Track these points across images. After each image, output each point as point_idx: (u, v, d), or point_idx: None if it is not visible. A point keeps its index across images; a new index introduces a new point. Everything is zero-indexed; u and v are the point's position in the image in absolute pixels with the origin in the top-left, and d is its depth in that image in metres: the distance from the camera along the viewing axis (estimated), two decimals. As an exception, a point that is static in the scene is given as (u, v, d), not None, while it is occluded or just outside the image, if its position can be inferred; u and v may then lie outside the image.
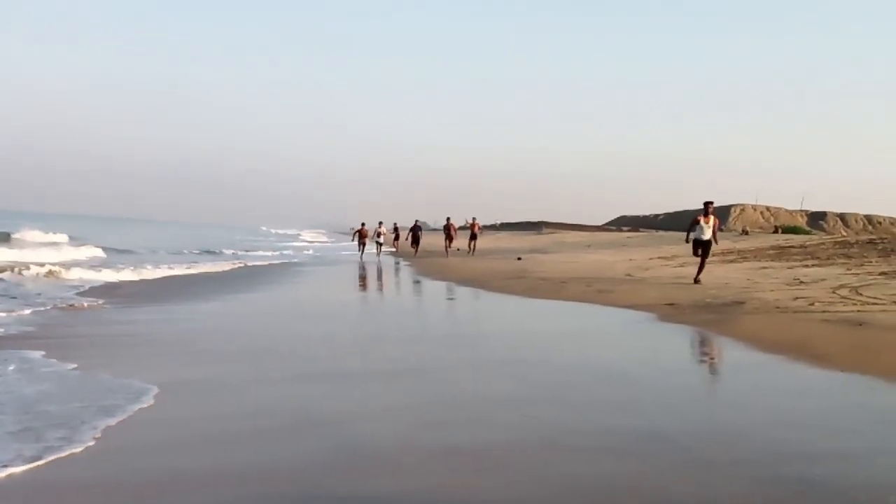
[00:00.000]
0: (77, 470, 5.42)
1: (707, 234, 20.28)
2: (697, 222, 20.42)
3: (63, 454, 5.64)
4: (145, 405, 7.14)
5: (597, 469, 5.53)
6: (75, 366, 8.89)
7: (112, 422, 6.51)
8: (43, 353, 9.62)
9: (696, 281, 19.47)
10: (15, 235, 45.13)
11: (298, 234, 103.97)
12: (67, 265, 24.51)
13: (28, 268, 22.23)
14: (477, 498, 4.90)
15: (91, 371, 8.65)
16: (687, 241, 21.19)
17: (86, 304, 15.47)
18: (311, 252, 50.88)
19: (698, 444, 6.13)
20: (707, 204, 20.39)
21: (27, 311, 13.92)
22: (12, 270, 21.48)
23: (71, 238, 48.43)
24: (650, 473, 5.38)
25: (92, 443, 5.95)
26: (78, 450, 5.77)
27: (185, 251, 43.16)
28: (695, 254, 20.58)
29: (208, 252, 43.61)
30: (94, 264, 27.42)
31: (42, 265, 23.15)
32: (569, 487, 5.12)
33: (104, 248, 37.57)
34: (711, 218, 20.29)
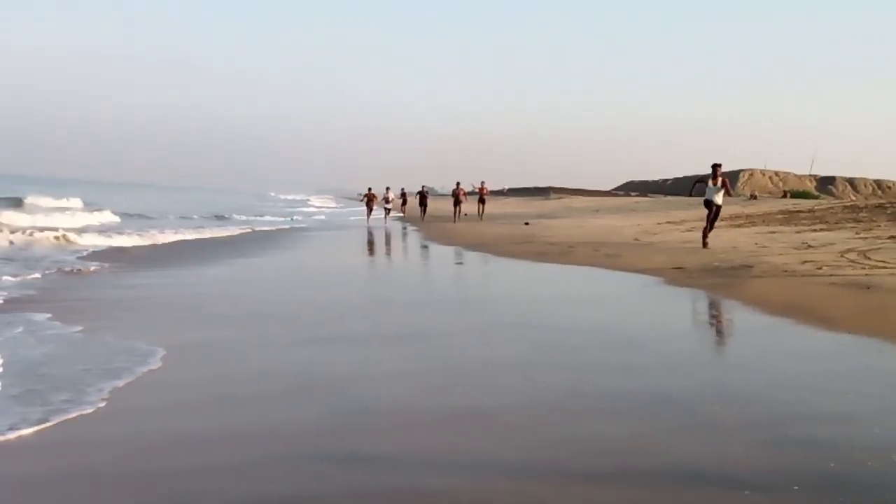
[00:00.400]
0: (86, 431, 5.45)
1: (718, 197, 19.63)
2: (703, 181, 19.96)
3: (72, 415, 5.67)
4: (153, 367, 7.17)
5: (602, 431, 5.53)
6: (80, 328, 8.92)
7: (119, 384, 6.53)
8: (49, 315, 9.65)
9: (705, 245, 18.97)
10: (28, 200, 45.04)
11: (307, 200, 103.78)
12: (80, 230, 24.58)
13: (41, 231, 22.30)
14: (482, 460, 4.90)
15: (97, 334, 8.68)
16: (691, 195, 21.35)
17: (92, 269, 15.50)
18: (322, 217, 50.91)
19: (704, 407, 6.12)
20: (715, 166, 19.75)
21: (35, 275, 13.97)
22: (24, 233, 21.54)
23: (85, 203, 48.42)
24: (656, 435, 5.38)
25: (102, 404, 5.97)
26: (88, 411, 5.80)
27: (195, 216, 43.18)
28: (708, 214, 19.81)
29: (217, 217, 43.64)
30: (106, 229, 27.52)
31: (55, 230, 23.21)
32: (574, 449, 5.12)
33: (119, 213, 37.68)
34: (720, 180, 19.61)
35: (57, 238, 21.58)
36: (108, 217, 35.73)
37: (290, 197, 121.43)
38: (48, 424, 5.43)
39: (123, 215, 37.82)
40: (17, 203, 40.80)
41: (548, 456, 4.97)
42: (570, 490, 4.38)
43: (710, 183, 19.66)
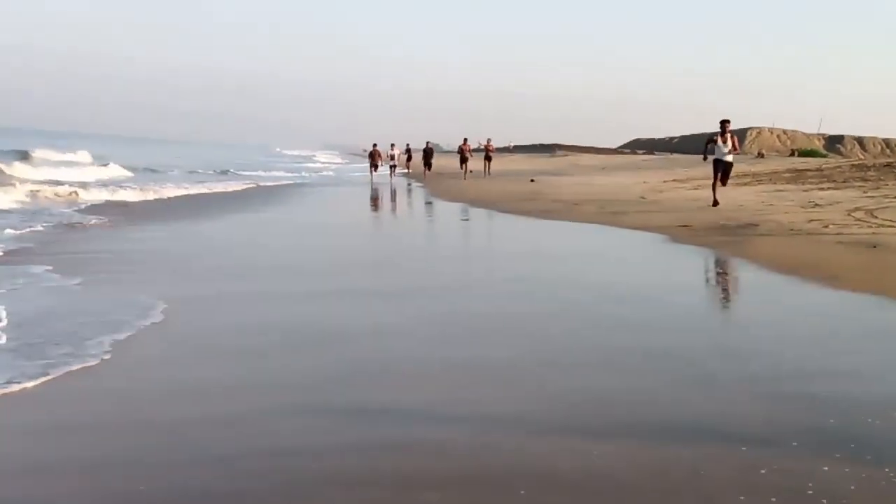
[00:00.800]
0: (89, 383, 5.49)
1: (727, 155, 18.92)
2: (714, 141, 19.10)
3: (74, 368, 5.69)
4: (155, 321, 7.17)
5: (602, 385, 5.54)
6: (80, 281, 8.95)
7: (120, 337, 6.54)
8: (49, 268, 9.67)
9: (715, 203, 18.28)
10: (35, 153, 44.76)
11: (313, 156, 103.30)
12: (85, 185, 24.52)
13: (48, 185, 22.28)
14: (485, 412, 4.91)
15: (97, 287, 8.70)
16: (705, 160, 19.84)
17: (93, 222, 15.50)
18: (330, 173, 50.75)
19: (705, 362, 6.12)
20: (723, 123, 18.97)
21: (38, 228, 13.98)
22: (29, 186, 21.52)
23: (94, 157, 48.20)
24: (656, 390, 5.38)
25: (107, 356, 5.99)
26: (90, 364, 5.82)
27: (202, 171, 42.95)
28: (715, 174, 18.94)
29: (223, 172, 43.41)
30: (112, 183, 27.50)
31: (61, 183, 23.20)
32: (573, 403, 5.13)
33: (126, 167, 37.57)
34: (729, 137, 18.94)
35: (58, 195, 21.50)
36: (116, 171, 35.64)
37: (295, 153, 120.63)
38: (50, 377, 5.45)
39: (131, 168, 37.72)
40: (23, 156, 40.51)
41: (547, 409, 4.98)
42: (568, 443, 4.38)
43: (719, 140, 18.97)
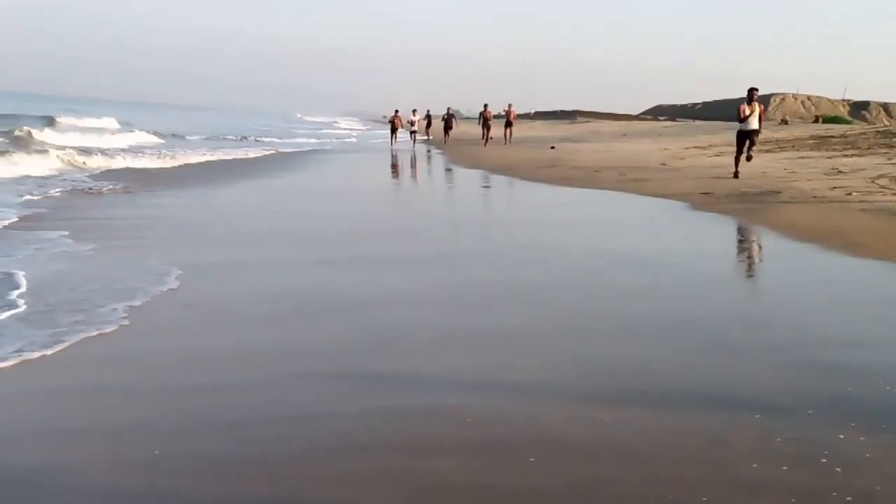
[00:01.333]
0: (107, 349, 5.52)
1: (753, 123, 17.83)
2: (742, 111, 17.94)
3: (92, 334, 5.73)
4: (172, 287, 7.19)
5: (621, 351, 5.52)
6: (95, 247, 9.01)
7: (136, 303, 6.57)
8: (65, 233, 9.74)
9: (736, 175, 17.43)
10: (60, 119, 44.84)
11: (334, 122, 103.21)
12: (111, 152, 24.48)
13: (76, 152, 22.26)
14: (500, 379, 4.92)
15: (113, 252, 8.76)
16: (740, 122, 18.22)
17: (109, 188, 15.56)
18: (353, 140, 50.64)
19: (723, 329, 6.08)
20: (752, 91, 17.98)
21: (55, 192, 14.05)
22: (58, 154, 21.42)
23: (121, 123, 48.23)
24: (671, 357, 5.35)
25: (125, 322, 6.02)
26: (107, 330, 5.84)
27: (230, 136, 42.94)
28: (739, 143, 17.91)
29: (246, 139, 43.42)
30: (140, 150, 27.57)
31: (89, 150, 23.25)
32: (587, 371, 5.12)
33: (155, 133, 37.61)
34: (756, 105, 17.87)
35: (85, 163, 21.36)
36: (143, 137, 35.57)
37: (316, 119, 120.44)
38: (68, 344, 5.48)
39: (157, 135, 37.73)
40: (49, 122, 40.57)
41: (561, 377, 4.97)
42: (581, 410, 4.37)
43: (747, 109, 17.86)
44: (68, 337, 5.59)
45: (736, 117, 18.58)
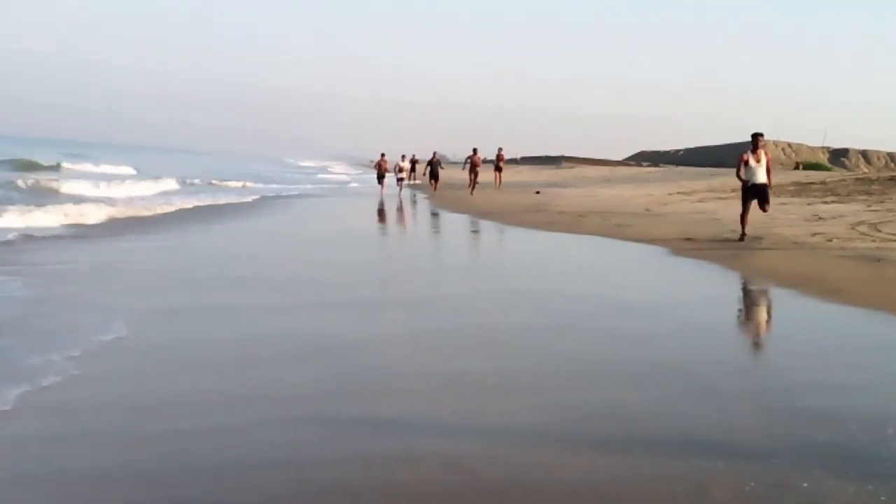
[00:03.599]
0: (68, 397, 5.51)
1: (760, 176, 15.08)
2: (745, 161, 15.17)
3: (45, 384, 5.69)
4: (120, 335, 7.19)
5: (610, 396, 5.58)
6: (50, 292, 8.97)
7: (86, 350, 6.50)
8: (17, 278, 9.67)
9: (743, 237, 14.81)
10: (73, 166, 44.75)
11: (327, 167, 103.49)
12: (126, 201, 23.59)
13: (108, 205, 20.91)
14: (490, 423, 4.95)
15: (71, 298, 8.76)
16: (740, 179, 15.49)
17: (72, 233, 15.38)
18: (355, 184, 49.97)
19: (707, 375, 6.14)
20: (756, 136, 15.30)
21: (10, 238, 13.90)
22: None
23: (136, 169, 47.81)
24: (659, 403, 5.40)
25: (76, 372, 5.90)
26: (60, 379, 5.82)
27: (228, 182, 41.94)
28: (744, 201, 15.16)
29: (255, 182, 43.55)
30: (161, 198, 26.99)
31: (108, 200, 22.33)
32: (577, 415, 5.16)
33: (180, 181, 37.08)
34: (762, 154, 15.21)
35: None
36: (168, 185, 34.59)
37: (307, 164, 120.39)
38: (20, 392, 5.35)
39: (181, 182, 37.00)
40: (69, 173, 39.47)
41: (551, 421, 5.00)
42: (572, 456, 4.41)
43: (751, 159, 15.14)
44: (19, 385, 5.45)
45: (736, 169, 15.70)
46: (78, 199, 22.15)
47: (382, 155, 37.22)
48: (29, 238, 14.12)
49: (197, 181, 40.25)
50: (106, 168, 48.60)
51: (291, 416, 5.07)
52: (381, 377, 6.01)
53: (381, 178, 36.44)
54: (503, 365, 6.40)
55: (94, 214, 18.78)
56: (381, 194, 34.21)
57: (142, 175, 39.68)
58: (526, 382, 5.92)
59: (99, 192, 27.69)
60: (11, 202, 19.96)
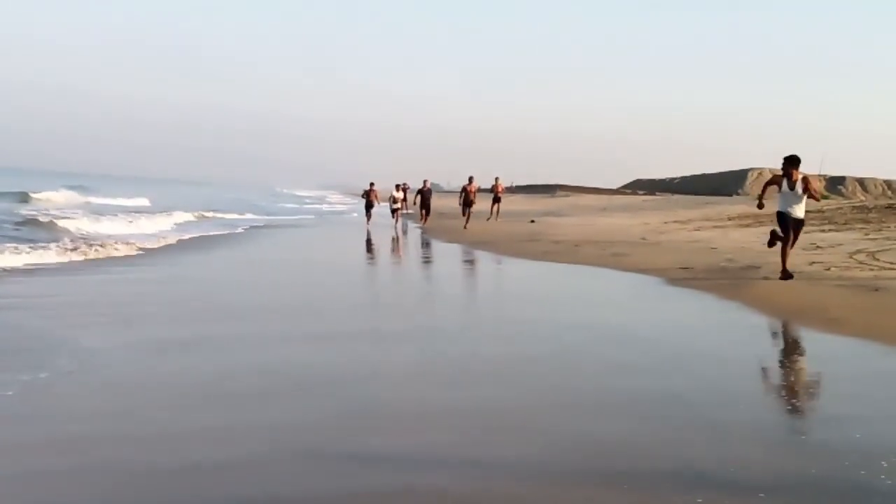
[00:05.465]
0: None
1: (798, 209, 12.96)
2: (776, 183, 13.27)
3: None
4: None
5: (607, 427, 5.50)
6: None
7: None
8: None
9: (785, 274, 12.60)
10: (99, 200, 44.69)
11: (325, 196, 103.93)
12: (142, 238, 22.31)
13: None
14: (485, 456, 4.87)
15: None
16: (760, 207, 14.15)
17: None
18: (356, 214, 49.64)
19: (706, 407, 6.06)
20: (791, 160, 12.95)
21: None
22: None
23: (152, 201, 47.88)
24: (655, 434, 5.33)
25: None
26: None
27: (249, 214, 42.19)
28: (780, 235, 13.04)
29: (267, 214, 43.67)
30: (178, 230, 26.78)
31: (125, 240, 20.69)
32: (577, 449, 5.07)
33: (199, 214, 37.05)
34: (799, 180, 12.87)
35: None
36: (182, 216, 34.40)
37: (304, 193, 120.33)
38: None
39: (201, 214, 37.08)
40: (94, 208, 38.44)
41: (550, 455, 4.92)
42: (572, 491, 4.34)
43: (785, 185, 12.97)
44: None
45: (762, 189, 14.27)
46: (117, 238, 21.37)
47: (372, 184, 34.67)
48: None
49: (210, 214, 39.62)
50: (122, 201, 48.54)
51: (296, 450, 4.98)
52: (371, 409, 5.92)
53: (369, 208, 33.75)
54: (497, 396, 6.31)
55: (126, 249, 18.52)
56: (368, 228, 31.54)
57: (155, 207, 39.56)
58: (521, 414, 5.84)
59: (131, 228, 26.93)
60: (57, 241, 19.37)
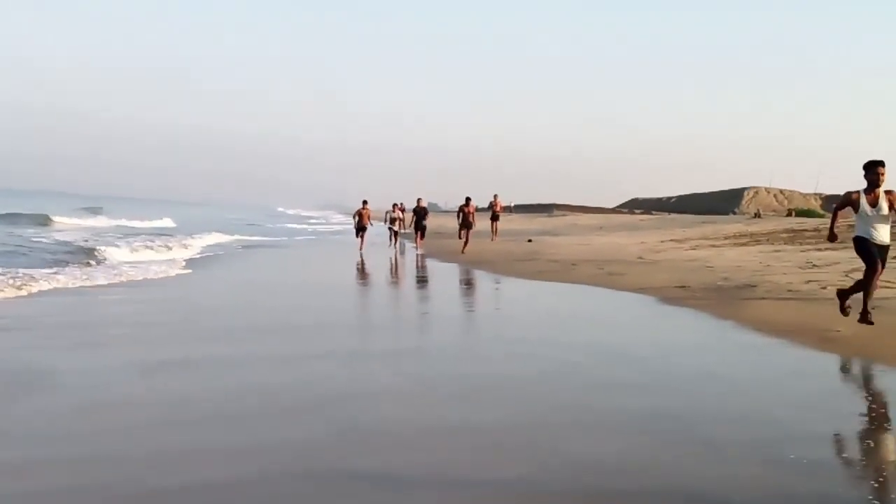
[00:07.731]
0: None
1: (883, 232, 10.16)
2: (850, 204, 10.30)
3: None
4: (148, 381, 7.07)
5: (602, 448, 5.49)
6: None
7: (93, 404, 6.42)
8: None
9: (844, 310, 10.48)
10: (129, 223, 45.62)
11: (329, 216, 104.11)
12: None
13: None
14: (481, 475, 4.87)
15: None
16: (832, 239, 11.00)
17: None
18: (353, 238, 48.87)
19: (701, 426, 6.06)
20: (874, 166, 10.03)
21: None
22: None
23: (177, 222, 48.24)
24: (650, 453, 5.32)
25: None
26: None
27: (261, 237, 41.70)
28: (872, 265, 10.04)
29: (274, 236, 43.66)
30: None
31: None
32: (571, 468, 5.07)
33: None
34: (882, 196, 10.04)
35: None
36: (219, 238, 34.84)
37: (306, 213, 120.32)
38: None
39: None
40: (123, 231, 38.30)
41: (544, 475, 4.91)
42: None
43: (866, 202, 10.13)
44: None
45: (836, 207, 11.14)
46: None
47: (364, 203, 31.46)
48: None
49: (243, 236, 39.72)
50: (148, 223, 48.90)
51: (284, 470, 4.96)
52: (368, 429, 5.91)
53: (360, 230, 30.50)
54: (493, 417, 6.29)
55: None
56: (360, 250, 28.93)
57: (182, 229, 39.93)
58: (517, 434, 5.83)
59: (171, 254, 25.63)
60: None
